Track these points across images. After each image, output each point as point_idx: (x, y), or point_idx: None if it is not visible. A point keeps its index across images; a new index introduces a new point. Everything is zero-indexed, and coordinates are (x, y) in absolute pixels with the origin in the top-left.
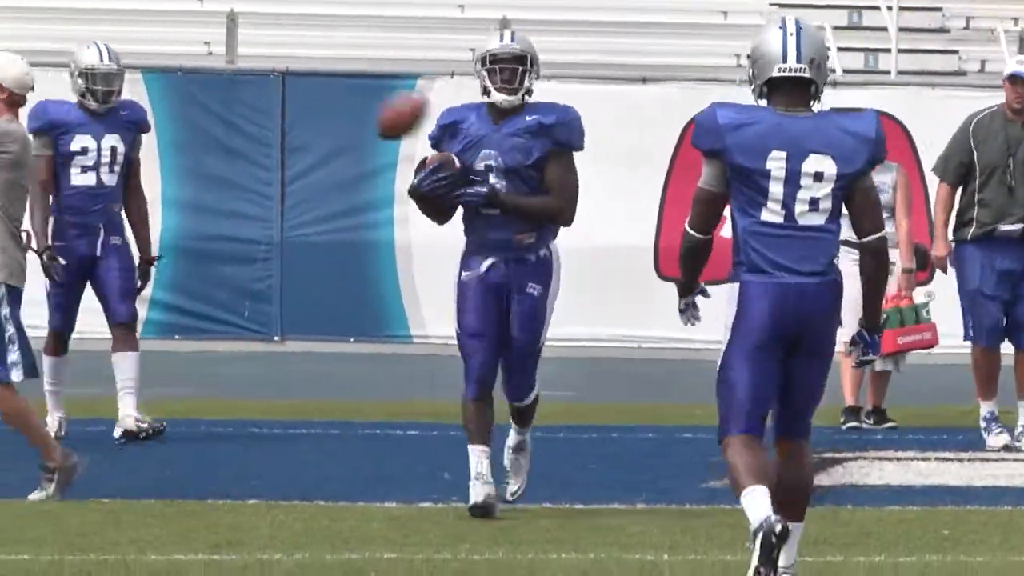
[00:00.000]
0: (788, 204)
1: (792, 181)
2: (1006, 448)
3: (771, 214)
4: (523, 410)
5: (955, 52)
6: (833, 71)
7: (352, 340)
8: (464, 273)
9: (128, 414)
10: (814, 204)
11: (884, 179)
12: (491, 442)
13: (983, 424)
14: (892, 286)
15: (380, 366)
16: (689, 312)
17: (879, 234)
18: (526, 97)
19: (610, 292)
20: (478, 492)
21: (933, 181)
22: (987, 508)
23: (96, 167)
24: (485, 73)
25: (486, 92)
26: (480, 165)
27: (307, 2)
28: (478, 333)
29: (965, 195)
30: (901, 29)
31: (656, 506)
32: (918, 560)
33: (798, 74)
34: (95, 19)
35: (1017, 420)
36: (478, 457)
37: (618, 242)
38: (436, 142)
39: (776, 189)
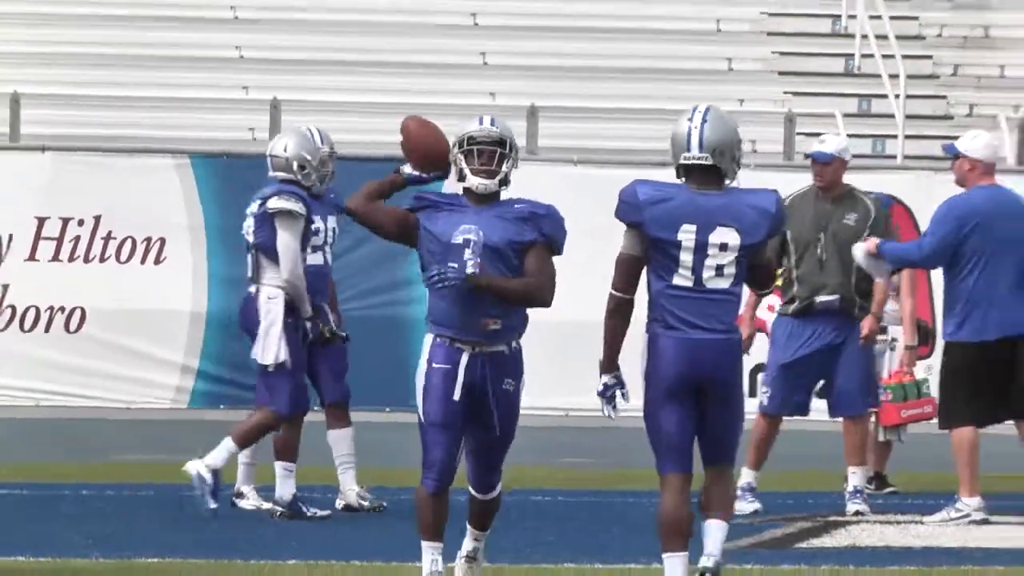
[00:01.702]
0: (697, 270)
1: (700, 250)
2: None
3: (681, 278)
4: (488, 505)
5: (957, 136)
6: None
7: (387, 410)
8: (435, 363)
9: (351, 488)
10: (719, 270)
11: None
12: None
13: (739, 492)
14: (895, 362)
15: (412, 434)
16: (612, 394)
17: (767, 291)
18: (503, 186)
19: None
20: None
21: None
22: (980, 567)
23: (323, 247)
24: (462, 156)
25: (461, 177)
26: (458, 239)
27: (347, 91)
28: (444, 425)
29: (784, 272)
30: (908, 116)
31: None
32: None
33: (700, 162)
34: (146, 106)
35: (848, 483)
36: (433, 555)
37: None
38: (412, 212)
39: (686, 257)
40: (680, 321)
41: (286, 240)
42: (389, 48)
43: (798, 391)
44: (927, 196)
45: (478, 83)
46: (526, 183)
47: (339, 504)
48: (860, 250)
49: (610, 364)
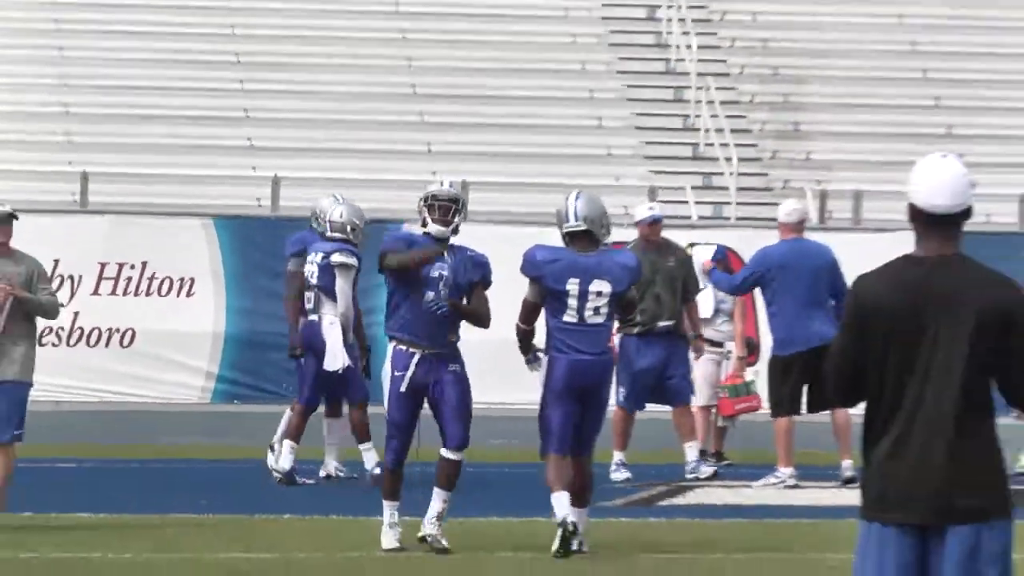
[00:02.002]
0: (580, 311)
1: (583, 297)
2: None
3: (569, 317)
4: (454, 466)
5: (776, 204)
6: (689, 216)
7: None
8: (396, 372)
9: (332, 462)
10: (597, 311)
11: (726, 294)
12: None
13: (614, 466)
14: (730, 368)
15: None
16: (533, 363)
17: (630, 318)
18: (454, 233)
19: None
20: (391, 539)
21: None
22: (792, 520)
23: None
24: (426, 209)
25: (424, 224)
26: (435, 274)
27: (342, 169)
28: (403, 425)
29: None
30: (739, 188)
31: None
32: (749, 557)
33: (576, 228)
34: (182, 182)
35: (687, 456)
36: (391, 511)
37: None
38: (391, 246)
39: (573, 302)
40: (568, 347)
41: (342, 286)
42: (356, 138)
43: (644, 390)
44: (752, 247)
45: (425, 165)
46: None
47: (322, 473)
48: (698, 263)
49: (527, 350)
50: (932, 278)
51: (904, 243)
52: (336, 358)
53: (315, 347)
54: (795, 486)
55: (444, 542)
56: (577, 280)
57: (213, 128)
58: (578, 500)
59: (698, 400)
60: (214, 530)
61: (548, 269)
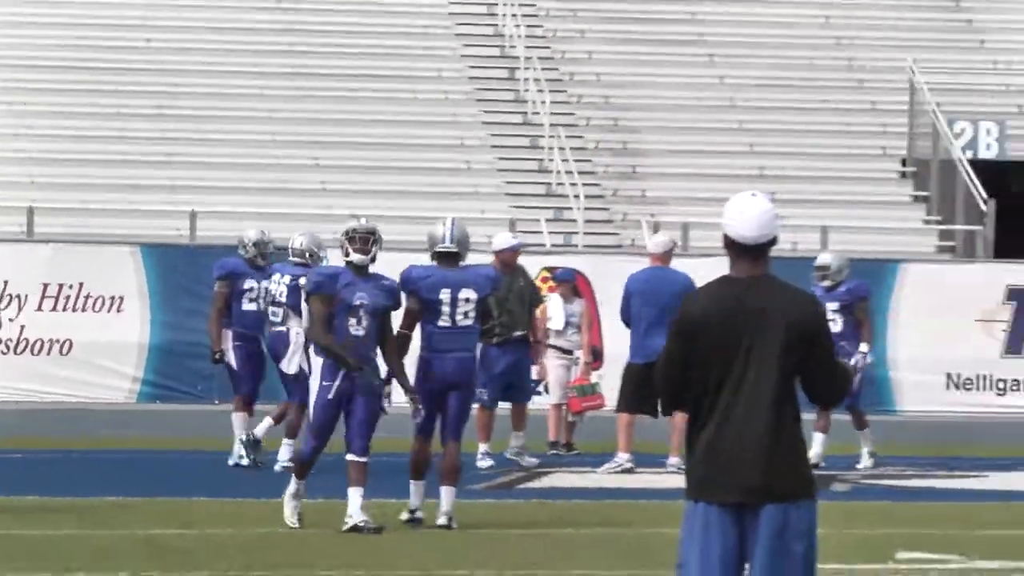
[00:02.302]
0: (452, 316)
1: (454, 304)
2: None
3: (443, 321)
4: (360, 465)
5: (617, 234)
6: (544, 245)
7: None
8: (324, 383)
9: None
10: (466, 315)
11: (575, 308)
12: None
13: (479, 455)
14: (578, 372)
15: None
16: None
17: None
18: (372, 262)
19: None
20: (292, 509)
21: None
22: (631, 501)
23: (257, 299)
24: (347, 242)
25: (347, 254)
26: (356, 302)
27: (249, 204)
28: (324, 427)
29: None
30: (586, 221)
31: None
32: (595, 532)
33: (449, 250)
34: (112, 215)
35: (512, 443)
36: (297, 485)
37: None
38: (319, 287)
39: (445, 309)
40: (442, 347)
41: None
42: (260, 178)
43: (500, 390)
44: (597, 270)
45: (320, 200)
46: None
47: (231, 462)
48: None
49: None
50: (746, 296)
51: (724, 266)
52: (293, 363)
53: (282, 353)
54: (630, 470)
55: (365, 522)
56: (448, 290)
57: (139, 169)
58: (449, 479)
59: (551, 399)
60: (142, 510)
61: (423, 283)
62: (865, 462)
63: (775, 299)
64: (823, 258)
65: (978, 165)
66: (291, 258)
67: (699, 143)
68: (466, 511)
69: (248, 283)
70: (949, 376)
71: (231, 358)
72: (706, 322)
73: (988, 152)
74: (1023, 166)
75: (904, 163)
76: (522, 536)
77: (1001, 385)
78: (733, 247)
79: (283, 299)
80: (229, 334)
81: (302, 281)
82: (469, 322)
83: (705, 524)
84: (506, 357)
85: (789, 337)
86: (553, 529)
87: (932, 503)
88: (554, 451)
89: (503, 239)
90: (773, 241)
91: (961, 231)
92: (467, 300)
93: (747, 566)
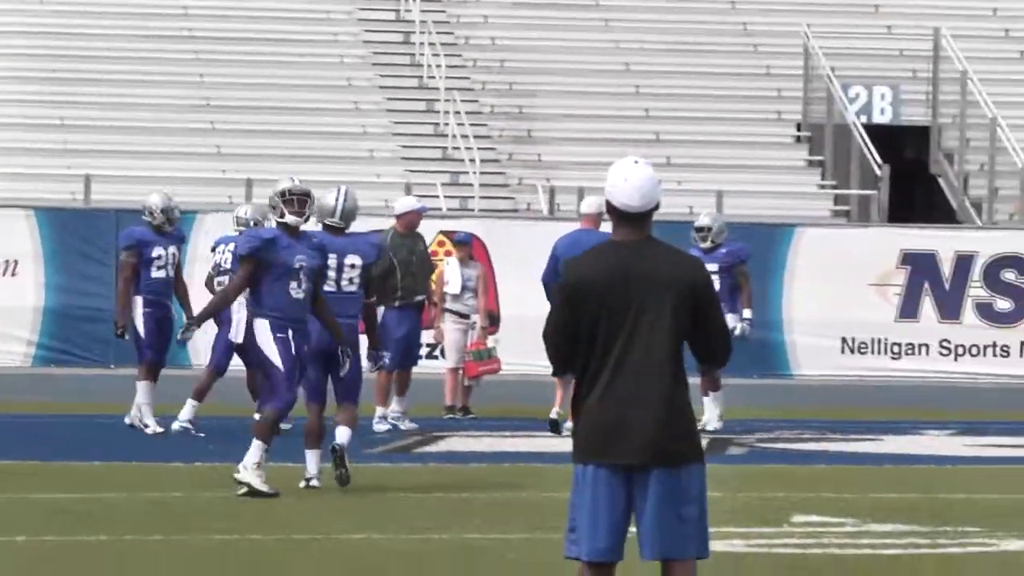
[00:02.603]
0: (338, 281)
1: (340, 270)
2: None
3: (329, 287)
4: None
5: (513, 198)
6: (440, 209)
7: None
8: (279, 335)
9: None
10: (351, 281)
11: (472, 272)
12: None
13: (376, 419)
14: (475, 336)
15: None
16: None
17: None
18: (306, 221)
19: None
20: (262, 479)
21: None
22: (525, 464)
23: (166, 266)
24: (283, 204)
25: (281, 215)
26: (297, 264)
27: (145, 168)
28: (295, 375)
29: (394, 283)
30: (481, 184)
31: None
32: (487, 495)
33: (337, 223)
34: (2, 178)
35: (393, 406)
36: (264, 451)
37: None
38: (256, 251)
39: (332, 274)
40: (330, 311)
41: None
42: (156, 143)
43: (400, 354)
44: (492, 233)
45: (215, 164)
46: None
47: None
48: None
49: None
50: (631, 260)
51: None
52: (240, 332)
53: (228, 320)
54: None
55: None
56: (335, 256)
57: (33, 133)
58: (342, 421)
59: (448, 363)
60: (38, 474)
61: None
62: (715, 424)
63: (661, 262)
64: (702, 219)
65: (872, 130)
66: (236, 227)
67: (595, 107)
68: (363, 474)
69: (156, 251)
70: (844, 340)
71: (140, 324)
72: (592, 287)
73: (882, 117)
74: (917, 131)
75: (799, 128)
76: (419, 500)
77: (896, 349)
78: (615, 212)
79: (228, 266)
80: (139, 300)
81: None
82: (353, 288)
83: (594, 487)
84: (406, 321)
85: (677, 300)
86: (450, 493)
87: (827, 466)
88: (451, 415)
89: (406, 202)
90: (656, 207)
91: (855, 195)
92: (352, 266)
93: (636, 529)
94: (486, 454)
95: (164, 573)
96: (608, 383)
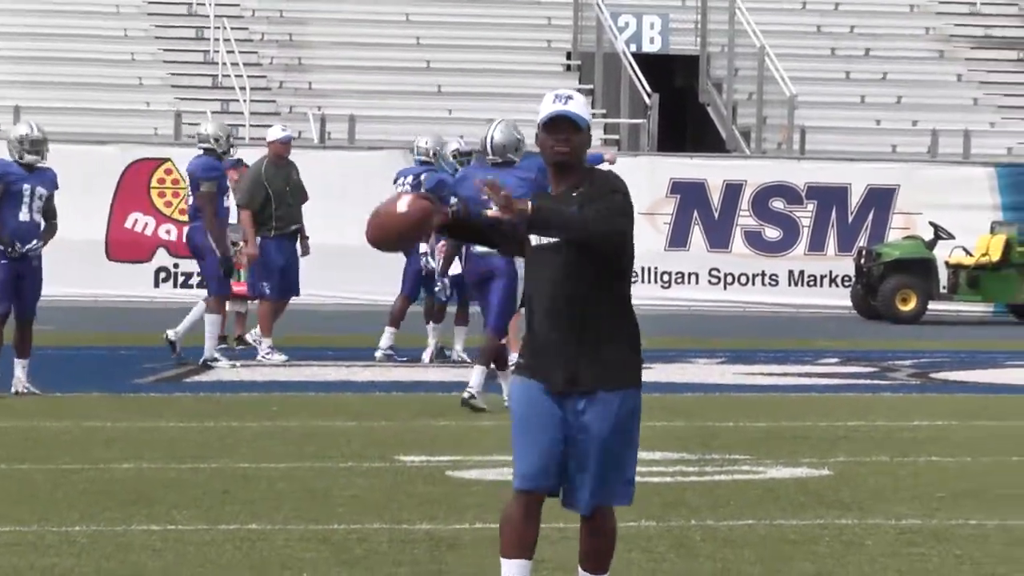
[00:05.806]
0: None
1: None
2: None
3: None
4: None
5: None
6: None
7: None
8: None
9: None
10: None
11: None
12: None
13: (268, 350)
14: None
15: None
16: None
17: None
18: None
19: None
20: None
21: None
22: (297, 394)
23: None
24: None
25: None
26: (27, 193)
27: (57, 100)
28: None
29: (266, 213)
30: (251, 113)
31: None
32: (259, 424)
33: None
34: None
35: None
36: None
37: None
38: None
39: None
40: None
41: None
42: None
43: (283, 284)
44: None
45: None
46: None
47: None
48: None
49: None
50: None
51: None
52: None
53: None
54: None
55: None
56: (28, 186)
57: None
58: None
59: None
60: None
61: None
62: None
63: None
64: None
65: (642, 59)
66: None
67: (365, 35)
68: (133, 404)
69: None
70: None
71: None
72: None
73: (652, 46)
74: (686, 60)
75: (569, 56)
76: (186, 429)
77: (665, 278)
78: None
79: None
80: None
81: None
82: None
83: (529, 396)
84: (284, 250)
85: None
86: (220, 422)
87: None
88: (225, 345)
89: (275, 131)
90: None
91: (625, 124)
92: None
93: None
94: (258, 383)
95: None
96: (541, 314)
